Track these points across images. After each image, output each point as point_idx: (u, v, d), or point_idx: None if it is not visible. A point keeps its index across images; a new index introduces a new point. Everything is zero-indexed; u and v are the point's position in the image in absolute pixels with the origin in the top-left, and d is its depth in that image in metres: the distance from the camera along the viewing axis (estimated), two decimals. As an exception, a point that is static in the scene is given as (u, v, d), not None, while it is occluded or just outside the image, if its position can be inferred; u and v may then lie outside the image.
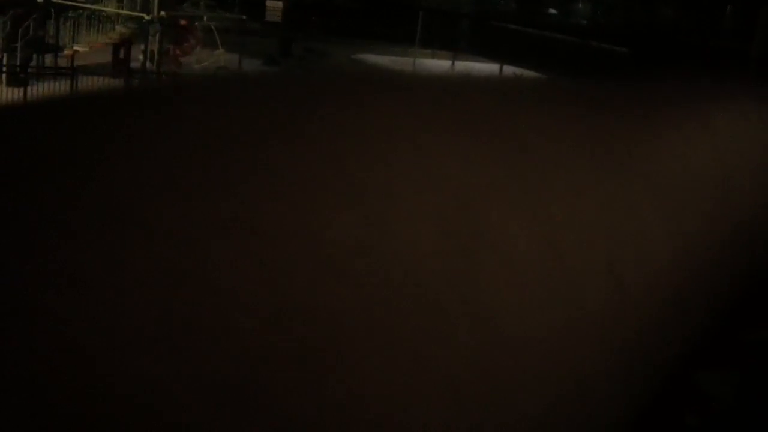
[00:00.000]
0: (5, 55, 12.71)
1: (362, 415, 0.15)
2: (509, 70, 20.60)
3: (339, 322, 0.15)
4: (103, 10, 15.13)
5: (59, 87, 11.58)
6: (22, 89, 11.40)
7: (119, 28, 14.60)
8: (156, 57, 13.80)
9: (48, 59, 13.72)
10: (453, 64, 21.05)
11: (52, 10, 14.16)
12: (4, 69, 12.25)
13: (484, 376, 0.16)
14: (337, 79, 0.23)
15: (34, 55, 13.19)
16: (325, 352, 0.15)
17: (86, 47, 14.41)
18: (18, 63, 12.61)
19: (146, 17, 14.24)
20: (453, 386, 0.15)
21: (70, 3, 14.54)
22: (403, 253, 0.17)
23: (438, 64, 20.70)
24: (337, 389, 0.15)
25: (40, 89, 11.18)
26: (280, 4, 17.82)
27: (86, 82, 11.53)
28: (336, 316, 0.15)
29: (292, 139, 0.16)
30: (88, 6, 14.94)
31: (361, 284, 0.16)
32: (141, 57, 13.58)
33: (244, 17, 15.92)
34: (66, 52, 14.03)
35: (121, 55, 13.91)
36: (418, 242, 0.16)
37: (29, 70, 12.64)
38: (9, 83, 11.93)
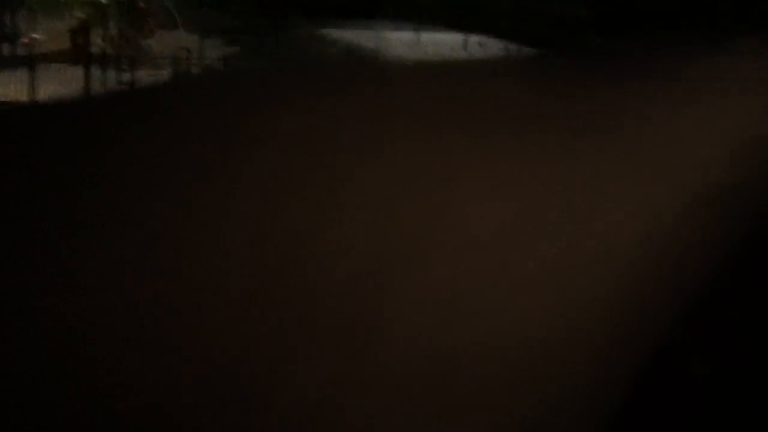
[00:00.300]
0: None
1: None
2: (468, 39, 20.69)
3: None
4: (59, -4, 14.93)
5: (18, 76, 11.50)
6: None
7: (77, 13, 14.41)
8: (116, 41, 13.66)
9: (5, 48, 13.53)
10: (418, 36, 21.06)
11: (8, -2, 13.96)
12: (-39, 60, 12.08)
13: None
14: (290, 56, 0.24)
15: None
16: None
17: (44, 35, 14.23)
18: (-26, 54, 12.44)
19: (104, 1, 14.09)
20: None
21: (25, -10, 14.34)
22: None
23: (403, 36, 20.70)
24: None
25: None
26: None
27: (44, 71, 11.43)
28: None
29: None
30: (44, -8, 14.74)
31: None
32: (100, 42, 13.45)
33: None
34: (24, 40, 13.84)
35: (80, 41, 13.74)
36: None
37: (-14, 60, 12.47)
38: (-35, 75, 11.78)
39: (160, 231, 0.13)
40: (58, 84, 11.68)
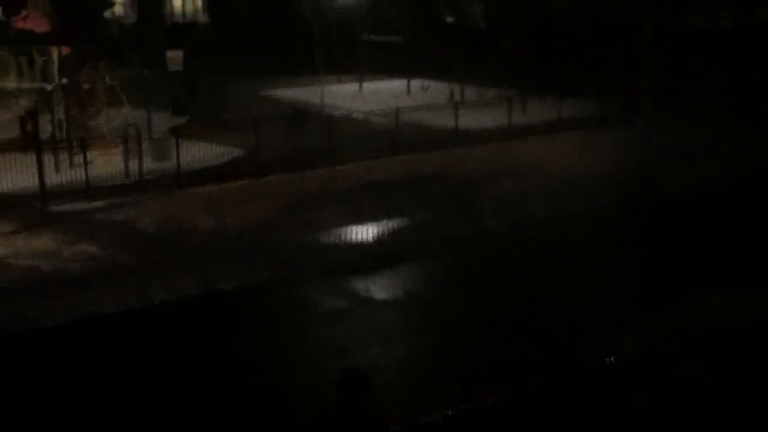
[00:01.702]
0: None
1: None
2: (415, 83, 20.78)
3: None
4: (3, 86, 15.00)
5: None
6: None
7: (22, 101, 14.41)
8: (65, 125, 13.67)
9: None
10: (360, 87, 20.80)
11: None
12: None
13: None
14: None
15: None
16: None
17: (-8, 125, 14.19)
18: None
19: (48, 87, 14.11)
20: None
21: (-32, 83, 14.36)
22: None
23: (345, 88, 20.41)
24: None
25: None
26: (180, 52, 17.81)
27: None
28: None
29: None
30: (-13, 84, 14.79)
31: None
32: (49, 127, 13.45)
33: (147, 71, 15.82)
34: (-29, 132, 13.78)
35: (29, 128, 13.74)
36: None
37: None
38: None
39: None
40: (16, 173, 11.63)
